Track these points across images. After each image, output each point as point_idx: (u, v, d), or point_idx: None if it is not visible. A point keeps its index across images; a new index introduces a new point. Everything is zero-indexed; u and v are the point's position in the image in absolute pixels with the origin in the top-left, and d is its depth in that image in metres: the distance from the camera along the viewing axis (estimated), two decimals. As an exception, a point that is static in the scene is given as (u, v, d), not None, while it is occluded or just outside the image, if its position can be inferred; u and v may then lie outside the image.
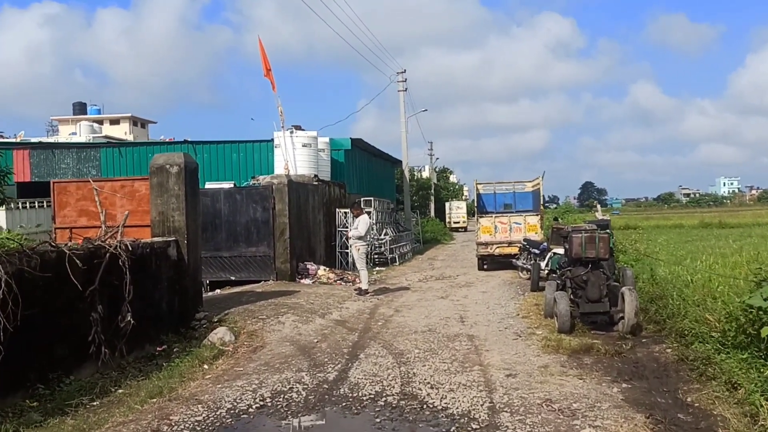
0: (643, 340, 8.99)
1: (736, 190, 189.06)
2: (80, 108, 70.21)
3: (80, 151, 24.24)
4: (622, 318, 9.36)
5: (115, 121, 67.70)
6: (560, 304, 9.33)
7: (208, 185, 18.34)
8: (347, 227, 14.06)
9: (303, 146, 20.33)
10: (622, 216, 76.84)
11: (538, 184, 19.80)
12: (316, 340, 9.56)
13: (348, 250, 19.89)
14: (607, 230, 11.76)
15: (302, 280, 16.38)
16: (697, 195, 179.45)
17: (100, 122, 65.01)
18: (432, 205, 58.32)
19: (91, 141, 39.31)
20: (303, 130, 20.85)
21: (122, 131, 64.06)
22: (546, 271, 14.28)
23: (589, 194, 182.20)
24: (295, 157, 20.00)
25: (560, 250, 13.86)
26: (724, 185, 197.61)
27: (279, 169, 20.16)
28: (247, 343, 9.70)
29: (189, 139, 24.99)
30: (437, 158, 67.40)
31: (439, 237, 40.08)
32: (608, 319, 9.70)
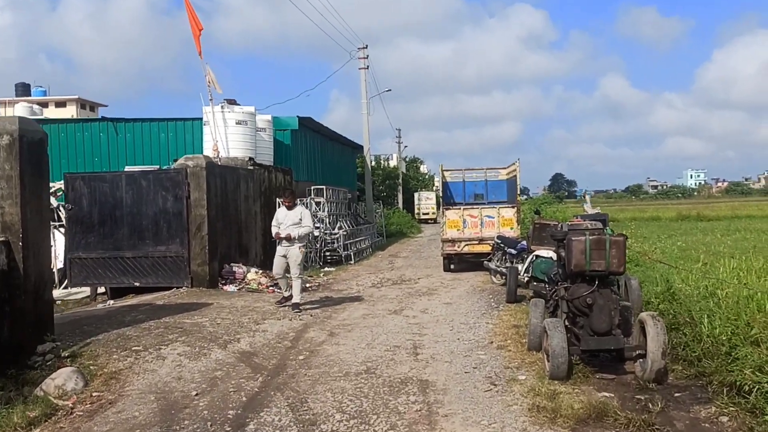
0: (676, 394, 6.09)
1: (703, 182, 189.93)
2: (23, 89, 65.49)
3: (-20, 129, 20.62)
4: (641, 356, 6.46)
5: (60, 104, 63.19)
6: (553, 338, 6.37)
7: (128, 169, 15.07)
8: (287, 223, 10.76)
9: (237, 124, 17.09)
10: (595, 207, 75.14)
11: (515, 171, 16.90)
12: (195, 393, 6.45)
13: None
14: (609, 230, 8.87)
15: (226, 287, 13.24)
16: (666, 187, 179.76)
17: (45, 104, 60.52)
18: (400, 196, 55.34)
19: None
20: (238, 105, 17.60)
21: (69, 114, 59.61)
22: (525, 278, 11.35)
23: (559, 186, 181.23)
24: (227, 136, 16.76)
25: (545, 253, 10.95)
26: (691, 177, 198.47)
27: (208, 151, 16.92)
28: (96, 394, 6.58)
29: (107, 117, 21.51)
30: (405, 146, 64.52)
31: (405, 230, 37.16)
32: (616, 353, 6.81)
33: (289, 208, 10.81)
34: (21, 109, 51.32)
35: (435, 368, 7.22)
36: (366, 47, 29.76)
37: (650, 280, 10.38)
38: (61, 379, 6.81)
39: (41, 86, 66.81)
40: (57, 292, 14.60)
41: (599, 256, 6.51)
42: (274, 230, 10.77)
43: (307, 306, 11.37)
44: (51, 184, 17.20)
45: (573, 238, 6.58)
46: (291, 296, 10.84)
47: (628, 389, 6.28)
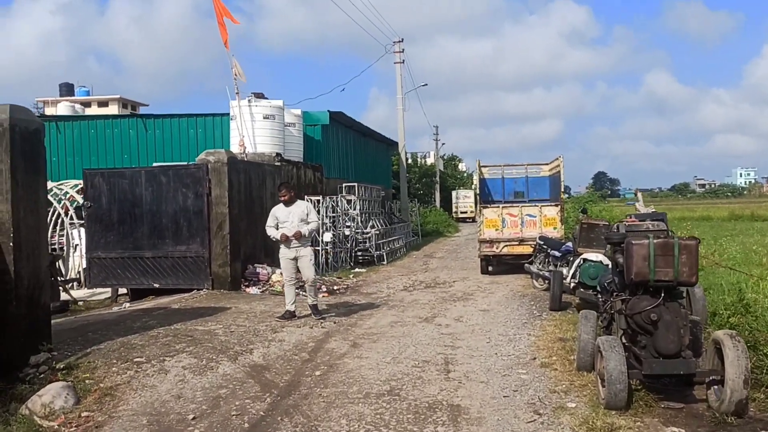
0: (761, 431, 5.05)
1: (753, 181, 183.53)
2: (67, 89, 66.29)
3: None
4: (716, 383, 5.43)
5: (103, 103, 63.80)
6: (609, 360, 5.38)
7: (156, 166, 14.49)
8: (306, 220, 9.62)
9: (264, 118, 16.36)
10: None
11: (558, 167, 15.78)
12: (193, 416, 5.65)
13: (321, 247, 16.00)
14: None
15: (249, 289, 12.50)
16: (714, 185, 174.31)
17: (88, 104, 61.18)
18: (437, 194, 54.29)
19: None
20: (266, 98, 16.88)
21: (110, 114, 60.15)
22: (572, 284, 10.31)
23: (602, 184, 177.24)
24: (254, 131, 16.05)
25: (594, 256, 9.92)
26: (741, 176, 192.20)
27: (235, 146, 16.24)
28: (86, 414, 5.84)
29: (136, 113, 21.05)
30: (443, 144, 63.37)
31: (441, 229, 36.13)
32: (684, 377, 5.78)
33: (288, 203, 9.51)
34: (63, 108, 51.94)
35: (469, 390, 6.28)
36: (401, 41, 28.87)
37: (714, 287, 9.28)
38: (49, 396, 6.10)
39: (84, 86, 67.63)
40: (81, 293, 14.14)
41: (666, 264, 5.48)
42: (272, 231, 9.53)
43: (332, 311, 10.55)
44: (75, 182, 16.88)
45: (634, 242, 5.56)
46: (294, 312, 9.63)
47: (701, 422, 5.26)
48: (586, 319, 6.70)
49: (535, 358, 7.40)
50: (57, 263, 14.39)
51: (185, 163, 16.05)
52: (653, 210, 11.79)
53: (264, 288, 12.56)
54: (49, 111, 57.88)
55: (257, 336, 8.45)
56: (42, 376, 6.73)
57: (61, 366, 6.88)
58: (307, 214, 9.55)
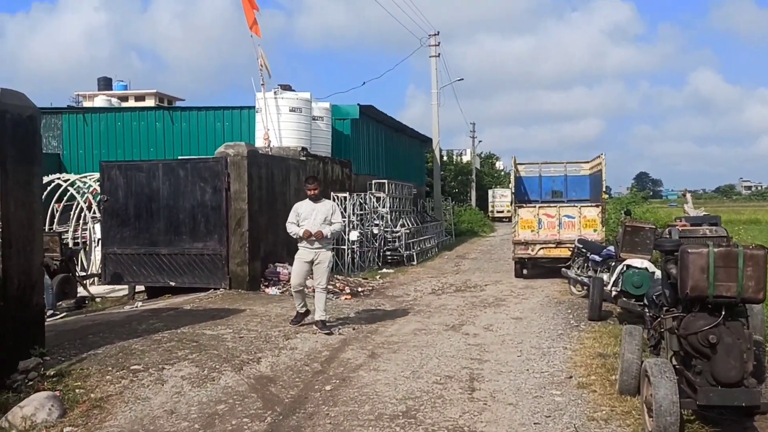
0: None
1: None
2: (105, 83, 67.02)
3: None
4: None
5: (140, 97, 64.26)
6: (659, 387, 4.60)
7: (174, 159, 14.06)
8: (330, 220, 8.68)
9: (291, 111, 15.79)
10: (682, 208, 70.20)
11: (599, 165, 14.85)
12: (182, 437, 5.05)
13: (347, 246, 15.37)
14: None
15: (269, 289, 11.93)
16: (761, 188, 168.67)
17: (125, 98, 61.72)
18: (473, 193, 53.25)
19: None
20: (293, 90, 16.30)
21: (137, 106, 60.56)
22: (613, 292, 9.45)
23: (644, 185, 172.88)
24: (280, 124, 15.48)
25: (639, 263, 9.06)
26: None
27: (260, 140, 15.71)
28: (69, 429, 5.29)
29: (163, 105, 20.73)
30: (480, 141, 62.21)
31: (476, 228, 35.21)
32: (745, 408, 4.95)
33: (315, 199, 8.62)
34: (100, 102, 52.42)
35: (495, 413, 5.55)
36: (437, 34, 28.04)
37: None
38: (32, 408, 5.56)
39: (122, 80, 68.34)
40: (100, 289, 13.78)
41: (728, 277, 4.65)
42: (293, 228, 8.56)
43: (352, 315, 9.90)
44: (99, 175, 16.55)
45: (690, 251, 4.74)
46: (308, 312, 8.81)
47: (769, 467, 4.44)
48: (631, 335, 5.90)
49: (571, 377, 6.62)
50: (76, 258, 14.06)
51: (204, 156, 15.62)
52: (705, 213, 10.85)
53: (284, 288, 11.96)
54: (87, 104, 58.58)
55: (268, 343, 7.83)
56: (30, 383, 6.21)
57: (52, 373, 6.36)
58: (332, 214, 8.65)
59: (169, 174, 11.81)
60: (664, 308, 5.43)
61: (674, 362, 5.13)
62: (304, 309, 8.78)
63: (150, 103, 63.53)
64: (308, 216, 8.52)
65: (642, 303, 8.85)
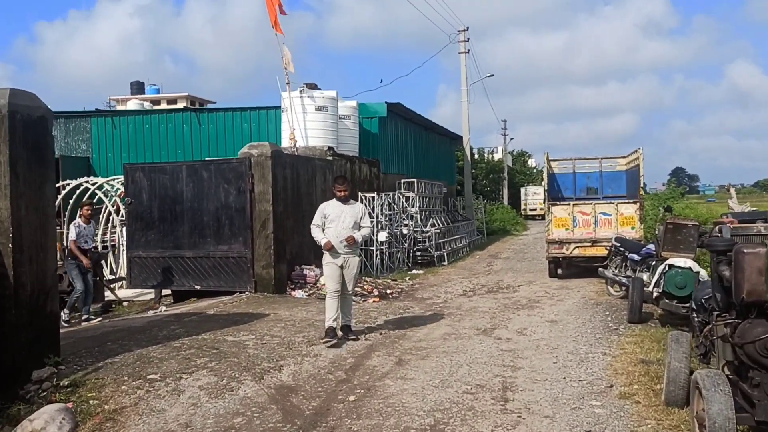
0: None
1: None
2: (138, 87, 67.87)
3: (68, 121, 20.29)
4: None
5: (172, 101, 64.84)
6: (712, 402, 4.15)
7: (197, 161, 13.90)
8: (359, 224, 8.22)
9: (317, 110, 15.51)
10: (723, 203, 68.14)
11: (637, 160, 14.26)
12: (194, 454, 4.76)
13: (375, 247, 15.03)
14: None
15: (295, 292, 11.66)
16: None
17: (157, 102, 62.38)
18: (505, 191, 52.51)
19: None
20: (318, 89, 16.01)
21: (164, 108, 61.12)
22: (654, 293, 8.93)
23: (680, 180, 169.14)
24: (306, 124, 15.21)
25: (682, 262, 8.56)
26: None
27: (286, 140, 15.46)
28: (79, 444, 5.04)
29: (190, 107, 20.63)
30: (512, 138, 61.39)
31: (509, 227, 34.59)
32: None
33: (345, 200, 8.09)
34: (132, 106, 53.02)
35: (530, 428, 5.15)
36: (466, 29, 27.54)
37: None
38: (42, 421, 5.33)
39: (155, 84, 69.05)
40: (128, 292, 13.65)
41: (790, 280, 4.19)
42: (317, 233, 8.03)
43: (380, 319, 9.55)
44: (120, 178, 16.54)
45: (746, 251, 4.28)
46: (346, 327, 8.12)
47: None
48: (678, 342, 5.44)
49: (612, 386, 6.17)
50: (105, 262, 13.99)
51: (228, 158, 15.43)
52: (751, 208, 10.23)
53: (311, 291, 11.69)
54: (120, 108, 59.32)
55: (291, 350, 7.52)
56: (44, 394, 6.02)
57: (66, 383, 6.14)
58: (362, 218, 8.17)
59: (193, 176, 11.61)
60: (715, 313, 4.95)
61: (727, 372, 4.67)
62: (336, 323, 7.94)
63: (182, 105, 64.17)
64: (336, 218, 7.99)
65: (686, 305, 8.37)
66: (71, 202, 16.47)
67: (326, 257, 8.04)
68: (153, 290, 12.89)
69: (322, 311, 9.37)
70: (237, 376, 6.47)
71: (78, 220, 10.75)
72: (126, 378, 6.30)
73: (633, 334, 8.34)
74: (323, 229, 8.05)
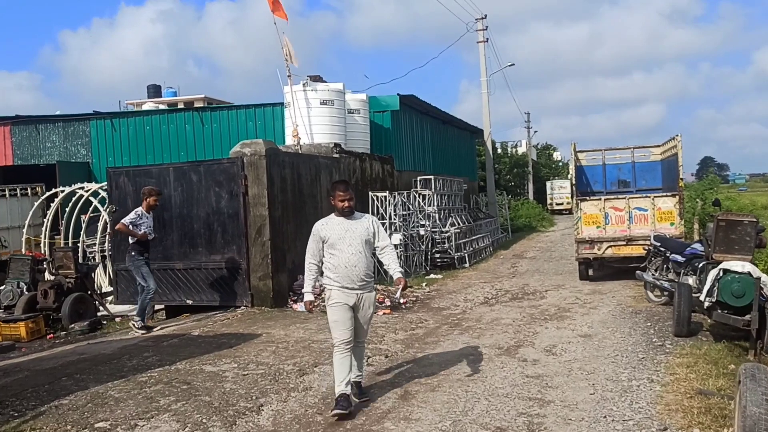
0: None
1: None
2: (155, 90, 67.27)
3: (67, 125, 19.41)
4: None
5: (189, 103, 64.37)
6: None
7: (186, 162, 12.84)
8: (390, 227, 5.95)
9: (322, 104, 14.36)
10: (754, 192, 65.53)
11: (675, 149, 12.88)
12: None
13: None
14: None
15: (297, 305, 10.53)
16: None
17: (174, 105, 61.86)
18: (530, 186, 50.94)
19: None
20: (324, 81, 14.87)
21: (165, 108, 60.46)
22: (706, 302, 7.60)
23: (709, 170, 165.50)
24: (310, 119, 14.08)
25: (740, 266, 7.27)
26: None
27: (289, 137, 14.34)
28: None
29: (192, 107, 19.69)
30: (536, 131, 59.83)
31: (534, 223, 33.17)
32: None
33: (349, 213, 5.68)
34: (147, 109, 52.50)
35: (564, 498, 3.93)
36: (484, 17, 26.21)
37: None
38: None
39: (172, 87, 68.53)
40: (122, 307, 12.66)
41: None
42: (310, 271, 5.74)
43: (388, 337, 8.38)
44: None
45: None
46: (356, 384, 5.77)
47: None
48: (755, 380, 4.18)
49: (666, 429, 4.92)
50: (93, 274, 13.01)
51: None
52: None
53: (315, 303, 10.52)
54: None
55: (276, 382, 6.37)
56: (-33, 450, 4.97)
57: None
58: (374, 234, 5.76)
59: (181, 179, 10.55)
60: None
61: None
62: (349, 388, 5.54)
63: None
64: (340, 241, 5.56)
65: (745, 318, 7.08)
66: (67, 210, 15.59)
67: (332, 295, 5.62)
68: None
69: (323, 329, 8.26)
70: (204, 421, 5.34)
71: (140, 208, 9.52)
72: (69, 428, 5.21)
73: (683, 353, 7.05)
74: (320, 262, 5.70)
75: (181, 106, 63.39)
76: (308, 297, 5.80)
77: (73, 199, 15.62)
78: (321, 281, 5.96)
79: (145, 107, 49.00)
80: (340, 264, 5.56)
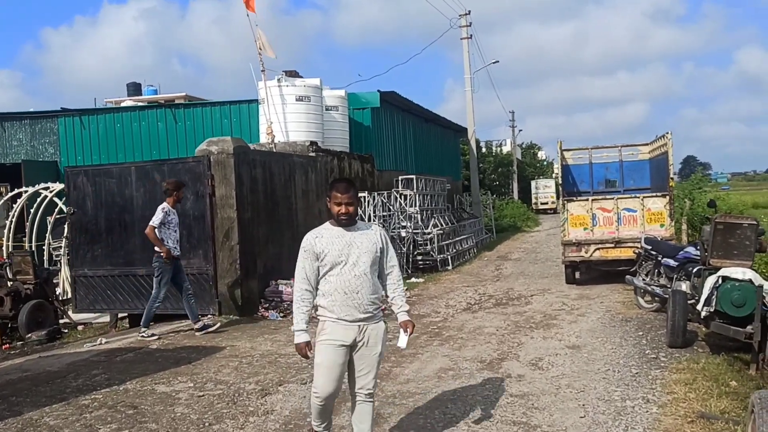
0: None
1: None
2: (134, 88, 66.23)
3: (34, 122, 18.61)
4: None
5: (169, 101, 63.38)
6: None
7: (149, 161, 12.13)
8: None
9: (297, 100, 13.72)
10: (737, 191, 65.68)
11: (664, 147, 12.40)
12: None
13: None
14: None
15: (269, 312, 9.93)
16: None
17: (155, 103, 60.84)
18: (515, 185, 50.60)
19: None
20: (300, 77, 14.24)
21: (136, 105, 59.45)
22: (704, 312, 7.07)
23: (692, 169, 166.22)
24: (285, 116, 13.44)
25: (740, 273, 6.76)
26: None
27: (263, 135, 13.70)
28: None
29: (164, 103, 18.99)
30: (520, 130, 59.49)
31: (519, 223, 32.71)
32: None
33: (348, 222, 4.18)
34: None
35: None
36: (468, 14, 25.65)
37: None
38: None
39: (152, 85, 67.41)
40: (85, 314, 11.97)
41: None
42: (302, 300, 4.18)
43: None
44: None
45: None
46: None
47: None
48: (765, 408, 3.65)
49: (667, 464, 4.36)
50: (55, 280, 12.31)
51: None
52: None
53: (287, 311, 9.92)
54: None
55: (234, 405, 5.75)
56: None
57: None
58: (383, 251, 4.33)
59: (144, 179, 9.88)
60: None
61: None
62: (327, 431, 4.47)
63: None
64: (339, 258, 4.15)
65: (746, 329, 6.56)
66: (32, 211, 14.85)
67: (324, 328, 4.21)
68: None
69: (292, 341, 7.63)
70: (147, 454, 4.72)
71: (166, 204, 8.62)
72: (-9, 463, 4.57)
73: (680, 368, 6.52)
74: (316, 288, 4.23)
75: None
76: (301, 337, 4.16)
77: (38, 199, 14.90)
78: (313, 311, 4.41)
79: (123, 105, 48.01)
80: (338, 289, 4.13)
